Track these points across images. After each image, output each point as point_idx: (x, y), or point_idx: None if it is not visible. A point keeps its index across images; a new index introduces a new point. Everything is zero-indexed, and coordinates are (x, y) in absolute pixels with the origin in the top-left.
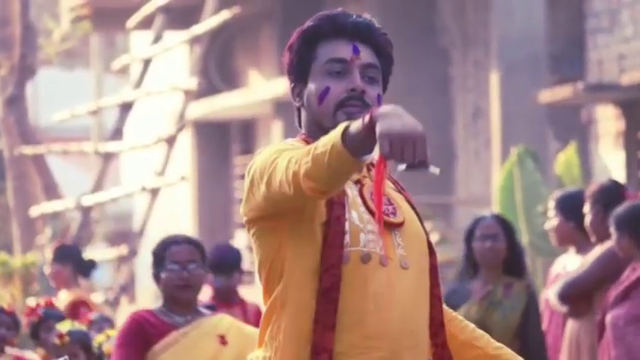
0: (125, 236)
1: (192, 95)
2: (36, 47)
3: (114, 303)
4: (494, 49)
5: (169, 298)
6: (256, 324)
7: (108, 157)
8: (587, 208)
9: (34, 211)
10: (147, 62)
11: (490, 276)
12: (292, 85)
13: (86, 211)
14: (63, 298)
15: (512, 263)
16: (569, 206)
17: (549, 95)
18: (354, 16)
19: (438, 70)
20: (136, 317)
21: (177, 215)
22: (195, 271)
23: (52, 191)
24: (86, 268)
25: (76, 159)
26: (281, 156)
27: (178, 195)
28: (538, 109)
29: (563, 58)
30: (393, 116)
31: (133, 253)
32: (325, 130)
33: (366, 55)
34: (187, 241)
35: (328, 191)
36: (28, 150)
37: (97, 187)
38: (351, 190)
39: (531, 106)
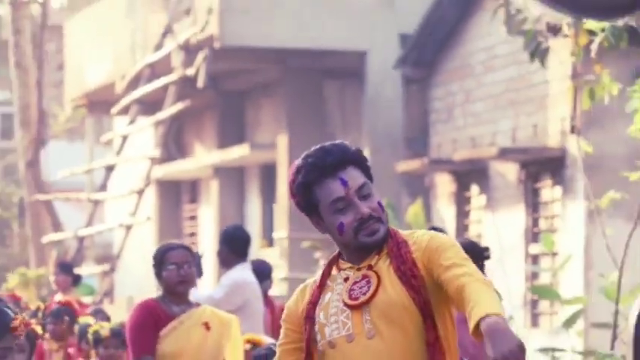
0: (107, 258)
1: (156, 161)
2: (47, 126)
3: (98, 304)
4: (366, 132)
5: (169, 292)
6: (279, 315)
7: (96, 203)
8: None
9: (45, 239)
10: (125, 137)
11: None
12: (309, 216)
13: (81, 240)
14: (58, 299)
15: None
16: None
17: (404, 166)
18: (330, 153)
19: None
20: (145, 305)
21: (143, 244)
22: (188, 270)
23: (57, 226)
24: (76, 279)
25: (74, 204)
26: None
27: (145, 230)
28: (396, 175)
29: (414, 140)
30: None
31: (112, 270)
32: (351, 249)
33: (353, 178)
34: (181, 246)
35: None
36: (41, 197)
37: (89, 223)
38: (332, 293)
39: (391, 173)
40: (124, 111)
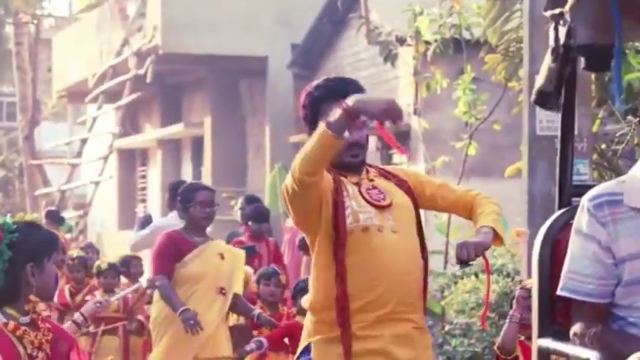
0: (82, 205)
1: (116, 136)
2: (39, 111)
3: (75, 239)
4: (268, 114)
5: (194, 225)
6: (275, 252)
7: (74, 166)
8: None
9: (37, 192)
10: (94, 119)
11: None
12: (309, 129)
13: (63, 192)
14: None
15: None
16: None
17: (295, 138)
18: (349, 85)
19: (239, 126)
20: (170, 236)
21: (108, 195)
22: (212, 208)
23: (46, 183)
24: (61, 220)
25: (58, 167)
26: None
27: (109, 185)
28: (290, 144)
29: (302, 119)
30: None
31: (85, 214)
32: (334, 164)
33: None
34: (207, 188)
35: (318, 171)
36: (35, 162)
37: (68, 180)
38: (352, 189)
39: (286, 143)
40: (94, 100)
